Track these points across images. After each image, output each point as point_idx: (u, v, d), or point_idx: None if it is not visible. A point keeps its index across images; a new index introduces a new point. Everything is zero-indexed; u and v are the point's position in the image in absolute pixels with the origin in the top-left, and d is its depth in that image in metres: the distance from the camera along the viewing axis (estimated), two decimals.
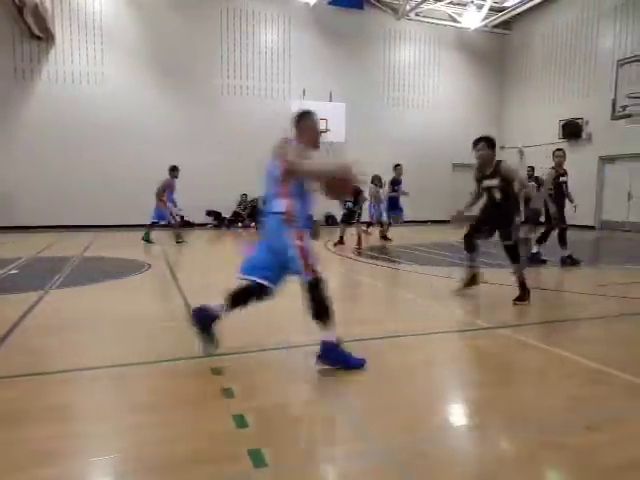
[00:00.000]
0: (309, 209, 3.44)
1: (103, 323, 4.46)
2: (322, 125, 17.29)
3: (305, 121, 3.61)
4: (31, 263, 8.14)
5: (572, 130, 17.18)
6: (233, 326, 4.34)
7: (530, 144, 19.32)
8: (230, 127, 16.91)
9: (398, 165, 12.12)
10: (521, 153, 19.78)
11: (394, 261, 8.70)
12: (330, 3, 17.56)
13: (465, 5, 18.82)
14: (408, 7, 18.11)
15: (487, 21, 18.88)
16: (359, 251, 10.06)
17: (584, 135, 16.94)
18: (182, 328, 4.18)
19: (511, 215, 5.30)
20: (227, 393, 2.81)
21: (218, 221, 16.88)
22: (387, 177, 15.32)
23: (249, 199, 17.38)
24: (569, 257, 7.83)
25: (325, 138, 17.50)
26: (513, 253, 5.28)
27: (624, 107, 11.90)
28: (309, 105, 16.69)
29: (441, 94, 19.88)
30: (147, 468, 2.10)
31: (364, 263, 8.72)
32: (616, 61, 12.23)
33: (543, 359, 3.57)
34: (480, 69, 20.43)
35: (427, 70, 19.63)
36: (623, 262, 8.53)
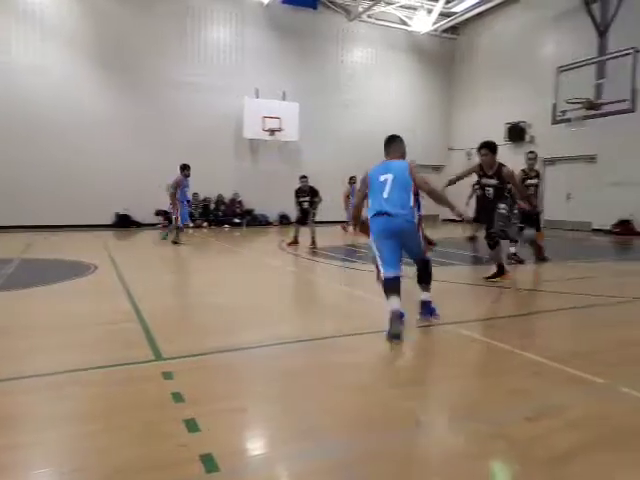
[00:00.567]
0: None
1: (45, 328, 4.27)
2: (275, 124, 17.29)
3: (401, 142, 4.85)
4: None
5: (516, 133, 17.93)
6: (183, 329, 4.28)
7: (477, 146, 19.94)
8: (180, 123, 16.57)
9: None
10: (469, 155, 20.41)
11: (347, 260, 8.79)
12: (284, 2, 17.56)
13: (416, 9, 19.24)
14: (361, 9, 18.34)
15: (437, 26, 19.39)
16: (313, 250, 10.10)
17: (527, 138, 17.71)
18: (131, 331, 4.07)
19: (497, 210, 6.37)
20: (178, 397, 2.76)
21: (168, 221, 16.43)
22: (345, 177, 15.52)
23: (201, 198, 17.08)
24: (514, 255, 8.16)
25: (279, 137, 17.49)
26: (493, 241, 6.33)
27: (564, 112, 12.49)
28: (262, 103, 16.67)
29: (393, 95, 20.24)
30: (93, 479, 2.03)
31: (318, 262, 8.76)
32: (556, 68, 12.81)
33: (487, 353, 3.71)
34: (430, 72, 20.95)
35: (379, 72, 19.93)
36: (564, 259, 8.96)
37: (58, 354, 3.59)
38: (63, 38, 15.12)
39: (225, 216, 17.16)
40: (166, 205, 16.33)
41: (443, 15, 19.12)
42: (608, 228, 14.87)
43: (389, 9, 19.08)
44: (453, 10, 18.89)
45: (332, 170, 17.82)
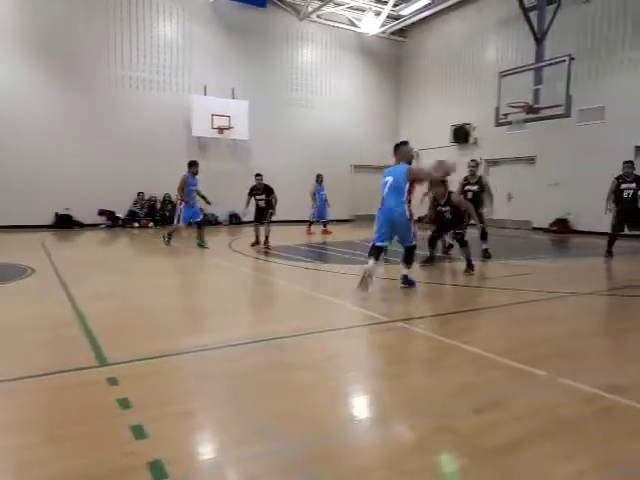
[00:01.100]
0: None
1: None
2: (225, 122, 17.03)
3: (404, 147, 6.14)
4: None
5: (461, 135, 18.52)
6: (128, 333, 4.13)
7: (425, 147, 20.46)
8: (123, 121, 16.02)
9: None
10: (416, 155, 20.87)
11: (300, 260, 8.78)
12: None
13: (364, 11, 19.48)
14: (310, 9, 18.37)
15: (385, 28, 19.71)
16: (267, 250, 10.03)
17: (471, 140, 18.33)
18: (72, 337, 3.89)
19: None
20: (124, 404, 2.66)
21: (112, 221, 15.87)
22: (294, 177, 15.52)
23: (146, 197, 16.57)
24: (486, 250, 8.92)
25: (229, 135, 17.24)
26: (462, 240, 7.50)
27: (506, 115, 12.99)
28: (211, 101, 16.39)
29: (342, 96, 20.41)
30: None
31: (270, 262, 8.71)
32: (498, 72, 13.31)
33: (437, 349, 3.80)
34: (379, 73, 21.28)
35: (328, 72, 20.04)
36: (505, 257, 9.33)
37: None
38: None
39: (172, 216, 16.70)
40: (109, 204, 15.85)
41: (391, 18, 19.47)
42: (547, 226, 15.63)
43: (338, 10, 19.24)
44: (401, 13, 19.27)
45: (284, 169, 17.80)
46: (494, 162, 17.59)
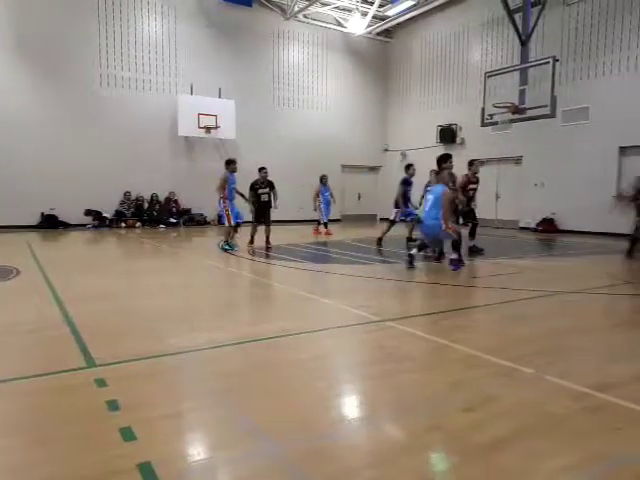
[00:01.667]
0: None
1: None
2: (211, 121, 16.94)
3: (442, 175, 7.74)
4: None
5: (448, 135, 18.64)
6: (117, 334, 4.09)
7: (412, 147, 20.58)
8: (110, 120, 15.89)
9: (411, 165, 10.90)
10: (403, 155, 20.99)
11: (289, 260, 8.77)
12: None
13: (350, 11, 19.50)
14: (296, 8, 18.35)
15: (371, 28, 19.75)
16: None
17: (458, 140, 18.46)
18: (60, 338, 3.85)
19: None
20: (113, 405, 2.64)
21: (99, 221, 15.71)
22: (282, 177, 15.45)
23: (133, 197, 16.44)
24: (474, 246, 9.39)
25: (215, 135, 17.15)
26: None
27: (491, 115, 13.10)
28: (197, 100, 16.24)
29: (329, 96, 20.42)
30: None
31: (259, 262, 8.68)
32: (484, 73, 13.43)
33: (426, 348, 3.83)
34: (366, 74, 21.32)
35: (316, 72, 20.04)
36: (494, 256, 9.41)
37: None
38: None
39: (160, 216, 16.61)
40: (95, 204, 15.68)
41: (377, 18, 19.52)
42: (533, 226, 15.79)
43: (325, 10, 19.24)
44: (386, 14, 19.32)
45: (272, 168, 17.58)
46: (480, 162, 17.70)
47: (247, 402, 2.77)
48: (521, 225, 16.45)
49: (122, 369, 3.22)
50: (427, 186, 9.97)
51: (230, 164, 10.01)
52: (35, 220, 14.94)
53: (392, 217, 10.73)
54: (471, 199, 9.57)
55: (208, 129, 16.92)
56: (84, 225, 15.39)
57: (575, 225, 14.92)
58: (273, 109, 19.03)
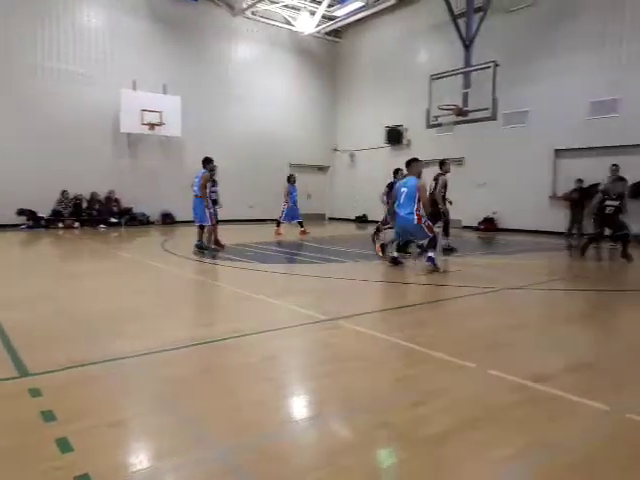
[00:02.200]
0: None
1: None
2: (156, 118, 16.45)
3: (413, 165, 7.74)
4: None
5: (395, 136, 18.98)
6: (52, 340, 3.88)
7: (361, 147, 20.82)
8: (45, 115, 15.09)
9: (400, 170, 10.82)
10: (352, 156, 21.23)
11: (237, 260, 8.64)
12: None
13: (299, 10, 19.49)
14: (244, 5, 18.14)
15: (320, 28, 19.80)
16: (198, 251, 9.77)
17: (404, 141, 18.84)
18: None
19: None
20: (48, 416, 2.49)
21: (33, 221, 14.86)
22: (231, 175, 15.20)
23: (71, 196, 15.68)
24: (448, 245, 9.90)
25: (160, 132, 16.67)
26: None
27: (436, 117, 13.46)
28: (140, 96, 15.67)
29: (278, 94, 20.30)
30: None
31: (206, 263, 8.50)
32: (429, 75, 13.76)
33: (374, 345, 3.86)
34: (315, 73, 21.37)
35: (265, 69, 19.87)
36: (438, 254, 9.65)
37: None
38: None
39: (100, 215, 15.95)
40: (30, 203, 14.81)
41: (326, 18, 19.60)
42: (475, 225, 16.36)
43: (273, 7, 19.12)
44: (335, 14, 19.43)
45: (219, 167, 17.41)
46: (426, 163, 18.14)
47: (194, 406, 2.70)
48: (464, 224, 17.00)
49: (58, 377, 3.05)
50: (391, 185, 10.52)
51: (206, 163, 9.78)
52: None
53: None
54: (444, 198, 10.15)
55: (152, 126, 16.42)
56: (17, 225, 14.52)
57: (514, 224, 15.60)
58: (221, 106, 18.71)
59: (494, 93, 12.01)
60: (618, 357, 3.67)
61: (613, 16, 13.27)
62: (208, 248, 9.49)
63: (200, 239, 9.72)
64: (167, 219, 17.23)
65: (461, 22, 13.78)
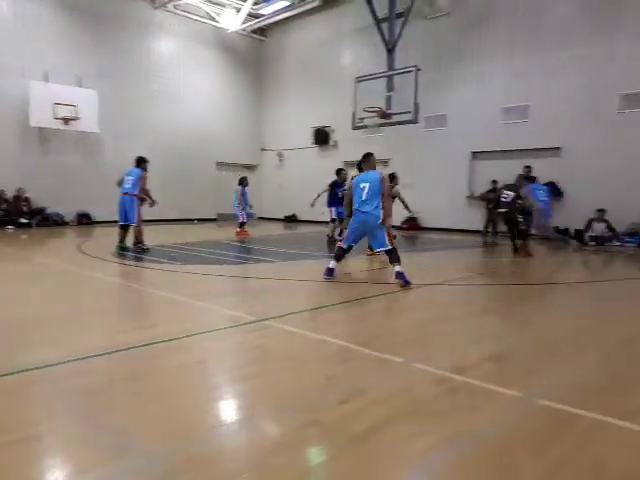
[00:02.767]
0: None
1: None
2: (70, 112, 15.49)
3: (370, 159, 6.72)
4: None
5: (321, 137, 19.16)
6: None
7: (288, 147, 20.83)
8: None
9: (342, 170, 11.78)
10: (280, 156, 21.18)
11: (157, 262, 8.32)
12: None
13: (224, 6, 19.15)
14: None
15: (245, 25, 19.56)
16: (120, 252, 9.32)
17: (331, 142, 19.07)
18: None
19: None
20: None
21: None
22: (153, 174, 14.60)
23: None
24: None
25: (76, 127, 15.71)
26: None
27: (362, 119, 13.74)
28: (53, 88, 14.81)
29: (203, 91, 19.85)
30: None
31: (125, 265, 8.12)
32: (355, 78, 14.01)
33: (302, 344, 3.87)
34: (240, 71, 21.09)
35: (188, 65, 19.33)
36: (363, 252, 9.87)
37: None
38: None
39: (8, 216, 14.75)
40: None
41: (251, 16, 19.39)
42: (399, 225, 16.88)
43: (196, 2, 18.63)
44: (261, 12, 19.28)
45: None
46: (352, 164, 18.50)
47: (117, 415, 2.55)
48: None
49: None
50: (333, 184, 10.66)
51: (140, 162, 9.59)
52: None
53: (332, 216, 11.34)
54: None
55: (67, 120, 15.44)
56: None
57: (435, 223, 16.30)
58: (142, 101, 17.96)
59: (416, 97, 12.46)
60: (530, 346, 3.93)
61: (521, 28, 14.23)
62: (145, 247, 9.33)
63: (122, 240, 9.32)
64: (84, 219, 16.30)
65: (385, 26, 14.15)
